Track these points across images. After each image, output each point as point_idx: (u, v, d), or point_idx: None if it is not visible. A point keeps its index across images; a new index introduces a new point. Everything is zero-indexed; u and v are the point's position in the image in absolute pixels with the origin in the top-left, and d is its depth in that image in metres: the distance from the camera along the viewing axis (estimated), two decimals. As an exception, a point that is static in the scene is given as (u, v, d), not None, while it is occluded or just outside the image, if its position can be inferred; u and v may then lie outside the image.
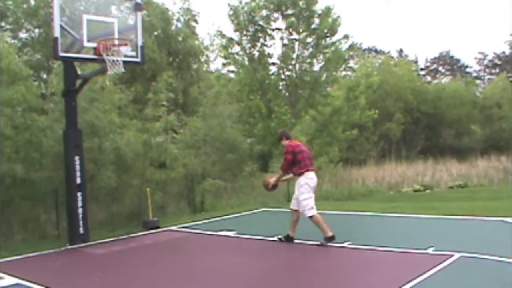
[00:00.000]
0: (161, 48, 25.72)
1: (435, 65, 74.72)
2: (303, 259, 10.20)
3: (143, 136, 16.72)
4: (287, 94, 28.26)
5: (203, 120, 22.01)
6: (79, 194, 13.01)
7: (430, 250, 9.67)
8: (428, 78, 66.10)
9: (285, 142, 11.39)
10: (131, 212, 16.32)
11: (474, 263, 8.66)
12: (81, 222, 12.99)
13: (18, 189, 14.47)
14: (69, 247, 12.67)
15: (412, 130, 42.54)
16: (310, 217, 11.07)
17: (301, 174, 11.12)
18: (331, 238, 10.89)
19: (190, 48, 27.39)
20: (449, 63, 73.99)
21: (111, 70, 12.59)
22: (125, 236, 13.69)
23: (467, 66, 72.90)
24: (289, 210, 15.87)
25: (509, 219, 12.37)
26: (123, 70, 12.89)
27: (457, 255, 9.08)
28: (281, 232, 12.36)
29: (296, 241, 11.53)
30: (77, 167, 13.00)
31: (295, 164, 11.15)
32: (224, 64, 29.77)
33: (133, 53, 13.29)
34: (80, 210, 12.97)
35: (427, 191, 25.00)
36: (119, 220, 15.78)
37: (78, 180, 13.01)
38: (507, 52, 68.79)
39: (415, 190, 25.05)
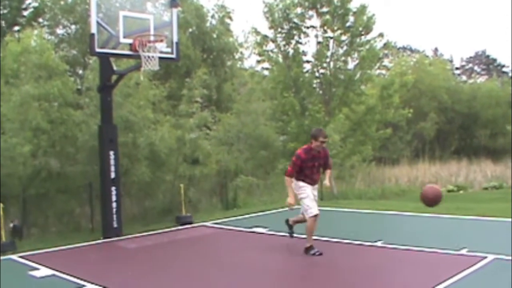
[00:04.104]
0: (195, 45, 25.87)
1: (470, 65, 73.92)
2: (334, 257, 10.16)
3: (177, 132, 16.83)
4: (321, 92, 28.11)
5: (237, 117, 22.08)
6: (113, 188, 13.15)
7: (463, 251, 9.58)
8: (463, 78, 65.33)
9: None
10: (164, 207, 16.46)
11: (508, 266, 8.53)
12: (114, 216, 13.14)
13: (53, 182, 14.72)
14: (102, 240, 12.82)
15: (446, 129, 42.11)
16: None
17: None
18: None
19: (225, 45, 27.52)
20: (485, 62, 73.12)
21: (146, 66, 12.70)
22: (158, 231, 13.79)
23: (503, 66, 71.90)
24: (322, 208, 15.92)
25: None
26: (158, 67, 12.99)
27: (490, 257, 8.98)
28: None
29: (329, 239, 11.53)
30: (112, 161, 13.14)
31: None
32: (258, 61, 29.70)
33: (168, 50, 13.37)
34: (114, 204, 13.12)
35: (461, 191, 24.77)
36: (152, 215, 15.93)
37: (113, 175, 13.15)
38: (545, 51, 67.90)
39: (449, 191, 24.83)
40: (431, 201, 8.61)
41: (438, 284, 7.59)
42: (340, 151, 24.41)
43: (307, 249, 10.16)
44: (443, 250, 9.80)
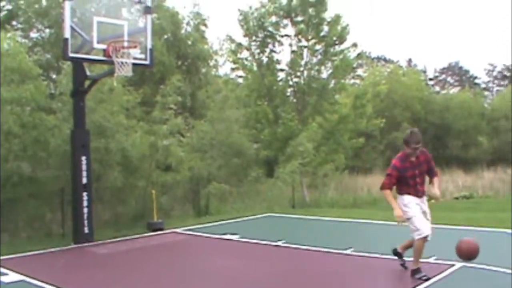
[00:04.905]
0: (170, 52, 25.86)
1: (444, 76, 74.78)
2: (305, 264, 10.24)
3: (150, 138, 16.83)
4: (294, 100, 28.25)
5: (210, 124, 22.10)
6: (85, 193, 13.11)
7: (432, 259, 9.70)
8: (437, 88, 66.12)
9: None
10: (136, 213, 16.42)
11: (475, 273, 8.70)
12: (86, 221, 13.09)
13: (24, 187, 14.58)
14: (73, 246, 12.76)
15: (419, 140, 42.42)
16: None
17: None
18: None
19: (199, 52, 27.56)
20: (458, 73, 74.02)
21: (120, 72, 12.68)
22: (130, 237, 13.77)
23: (476, 77, 72.97)
24: (294, 216, 16.00)
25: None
26: (131, 73, 12.98)
27: (458, 264, 9.12)
28: (285, 237, 12.47)
29: (300, 246, 11.60)
30: (84, 167, 13.11)
31: None
32: (232, 69, 29.83)
33: (142, 56, 13.35)
34: (85, 210, 13.08)
35: (432, 201, 24.92)
36: (124, 221, 15.87)
37: (84, 180, 13.12)
38: (516, 64, 68.98)
39: (420, 200, 25.03)
40: (465, 255, 7.99)
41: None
42: (313, 159, 24.55)
43: (414, 272, 8.70)
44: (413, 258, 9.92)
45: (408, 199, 8.60)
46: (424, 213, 8.66)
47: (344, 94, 30.25)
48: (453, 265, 9.14)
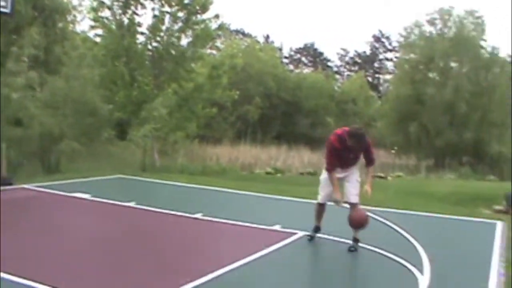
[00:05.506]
0: (26, 1, 24.94)
1: (298, 55, 76.88)
2: (154, 226, 10.53)
3: (3, 90, 16.33)
4: (151, 65, 28.25)
5: (65, 80, 21.59)
6: None
7: (276, 227, 10.30)
8: (291, 67, 68.05)
9: None
10: (-18, 166, 15.92)
11: (314, 241, 9.44)
12: None
13: None
14: None
15: (270, 115, 43.70)
16: None
17: None
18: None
19: (58, 5, 26.74)
20: (312, 55, 76.37)
21: (-22, 18, 12.27)
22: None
23: (329, 60, 75.73)
24: (145, 179, 16.19)
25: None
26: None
27: (300, 233, 9.76)
28: (136, 199, 12.67)
29: (148, 208, 11.86)
30: None
31: None
32: (92, 27, 29.24)
33: (3, 3, 12.94)
34: None
35: (278, 174, 25.94)
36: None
37: None
38: (368, 52, 72.45)
39: (267, 173, 25.93)
40: (357, 223, 8.69)
41: (251, 254, 8.17)
42: (165, 125, 24.71)
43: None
44: (258, 225, 10.48)
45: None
46: (349, 182, 8.92)
47: (201, 64, 30.57)
48: (295, 233, 9.77)
